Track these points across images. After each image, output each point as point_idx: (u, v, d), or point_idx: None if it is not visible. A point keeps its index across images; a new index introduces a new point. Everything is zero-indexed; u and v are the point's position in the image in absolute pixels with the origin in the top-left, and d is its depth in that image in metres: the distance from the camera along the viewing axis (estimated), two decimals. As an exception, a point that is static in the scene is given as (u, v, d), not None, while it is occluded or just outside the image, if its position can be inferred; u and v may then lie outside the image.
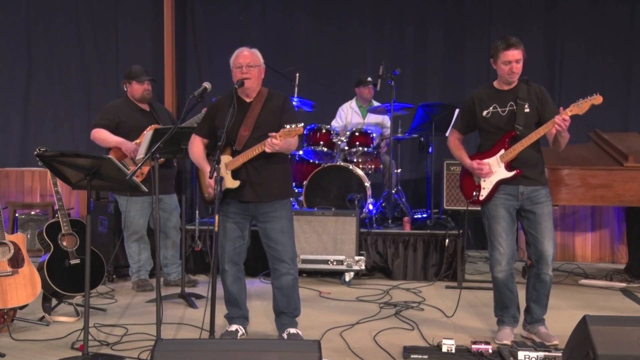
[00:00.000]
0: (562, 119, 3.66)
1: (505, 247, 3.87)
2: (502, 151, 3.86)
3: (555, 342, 3.88)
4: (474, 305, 4.86)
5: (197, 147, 3.94)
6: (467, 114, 4.02)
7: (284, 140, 3.58)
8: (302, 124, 3.63)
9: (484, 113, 3.91)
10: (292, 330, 3.90)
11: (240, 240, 3.89)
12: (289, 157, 4.07)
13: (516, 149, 3.81)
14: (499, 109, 3.88)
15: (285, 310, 3.93)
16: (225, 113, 3.73)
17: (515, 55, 3.78)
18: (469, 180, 4.02)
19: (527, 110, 3.84)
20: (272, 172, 3.81)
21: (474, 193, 3.95)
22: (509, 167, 3.85)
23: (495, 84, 3.97)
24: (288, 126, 3.57)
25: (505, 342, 3.88)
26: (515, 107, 3.84)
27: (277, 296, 3.93)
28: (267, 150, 3.62)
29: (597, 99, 3.69)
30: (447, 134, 6.39)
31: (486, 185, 3.90)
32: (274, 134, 3.59)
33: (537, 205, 3.88)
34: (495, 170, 3.88)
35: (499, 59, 3.82)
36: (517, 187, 3.87)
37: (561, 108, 3.74)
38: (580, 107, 3.71)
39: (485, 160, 3.90)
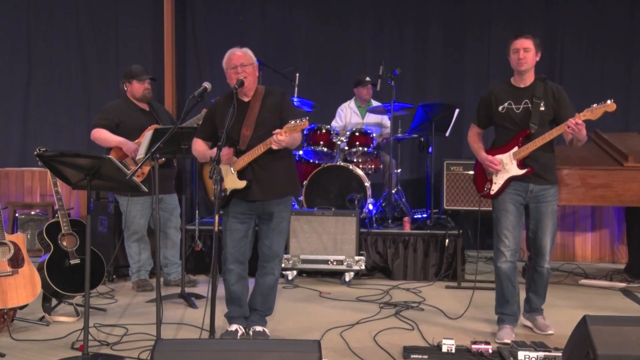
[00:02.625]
0: (575, 123, 3.74)
1: (510, 239, 3.96)
2: (516, 148, 3.94)
3: (551, 332, 4.05)
4: (474, 305, 4.84)
5: (201, 146, 3.93)
6: (484, 108, 4.10)
7: (289, 135, 3.60)
8: (307, 118, 3.63)
9: (499, 108, 3.99)
10: (259, 328, 3.94)
11: (245, 239, 3.90)
12: (292, 152, 4.07)
13: (529, 148, 3.89)
14: (514, 106, 3.96)
15: (259, 308, 3.98)
16: (224, 113, 3.71)
17: (523, 43, 3.86)
18: (482, 174, 4.11)
19: (542, 108, 3.90)
20: (278, 168, 3.81)
21: (486, 187, 4.05)
22: (521, 164, 3.93)
23: (512, 80, 4.04)
24: (293, 121, 3.58)
25: (505, 340, 3.90)
26: (530, 105, 3.91)
27: (256, 292, 3.97)
28: (274, 147, 3.63)
29: (611, 106, 3.75)
30: (447, 134, 6.44)
31: (498, 181, 3.99)
32: (278, 130, 3.59)
33: (542, 204, 3.98)
34: (507, 166, 3.96)
35: (509, 49, 3.91)
36: (527, 185, 3.96)
37: (577, 114, 3.81)
38: (594, 112, 3.77)
39: (499, 156, 3.99)
